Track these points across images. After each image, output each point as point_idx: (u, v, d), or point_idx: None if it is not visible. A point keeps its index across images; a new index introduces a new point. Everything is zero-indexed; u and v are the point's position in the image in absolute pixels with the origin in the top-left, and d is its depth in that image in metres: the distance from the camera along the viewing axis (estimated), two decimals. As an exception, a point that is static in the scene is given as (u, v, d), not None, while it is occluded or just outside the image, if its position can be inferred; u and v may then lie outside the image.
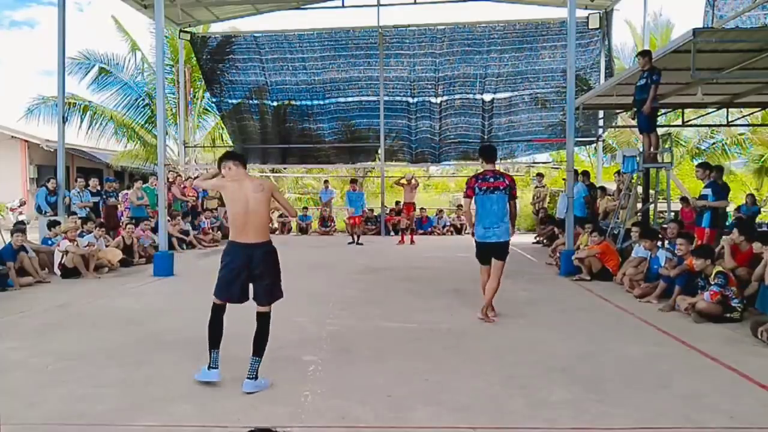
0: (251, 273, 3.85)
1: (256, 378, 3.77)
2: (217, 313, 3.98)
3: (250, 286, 3.94)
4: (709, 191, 8.13)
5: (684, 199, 11.82)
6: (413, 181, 14.21)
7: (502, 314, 6.04)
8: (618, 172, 12.29)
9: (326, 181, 18.16)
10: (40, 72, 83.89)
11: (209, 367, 3.84)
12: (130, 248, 10.01)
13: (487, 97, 17.53)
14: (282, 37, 17.60)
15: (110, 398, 3.62)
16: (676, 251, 6.82)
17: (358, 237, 13.83)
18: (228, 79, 18.37)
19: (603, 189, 12.22)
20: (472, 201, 5.77)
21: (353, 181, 15.19)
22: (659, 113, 11.30)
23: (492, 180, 5.64)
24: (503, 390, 3.78)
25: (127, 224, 10.51)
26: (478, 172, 5.82)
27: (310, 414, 3.39)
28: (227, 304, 4.01)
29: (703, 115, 14.22)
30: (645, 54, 8.55)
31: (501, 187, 5.64)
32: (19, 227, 8.97)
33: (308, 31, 17.43)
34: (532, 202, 15.87)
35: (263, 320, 3.96)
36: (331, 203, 17.56)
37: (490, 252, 5.74)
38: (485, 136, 17.78)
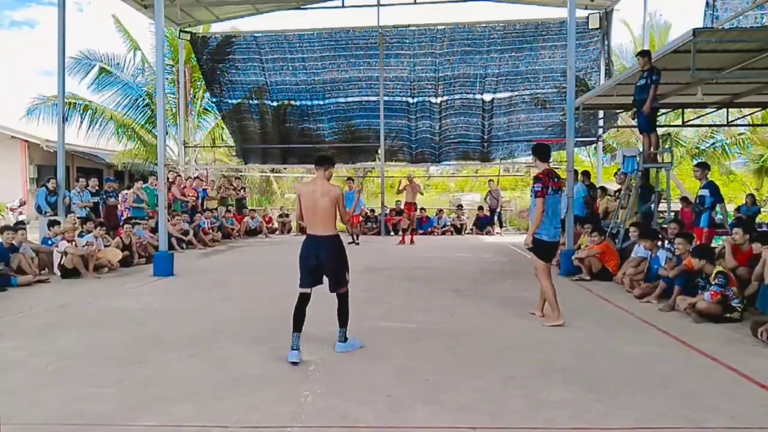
0: (319, 260, 4.48)
1: (345, 341, 4.63)
2: (303, 301, 4.54)
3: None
4: (706, 192, 8.13)
5: (684, 199, 11.82)
6: (414, 181, 14.18)
7: (502, 314, 6.04)
8: (617, 173, 12.31)
9: None
10: (40, 72, 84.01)
11: (292, 349, 4.34)
12: (130, 248, 10.01)
13: (487, 97, 17.55)
14: (282, 37, 17.61)
15: (110, 398, 3.62)
16: (674, 251, 6.82)
17: (357, 236, 13.82)
18: (228, 79, 18.38)
19: (603, 189, 12.21)
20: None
21: (349, 180, 15.16)
22: (659, 113, 11.30)
23: (556, 180, 5.55)
24: (503, 390, 3.78)
25: (124, 224, 10.52)
26: (544, 169, 5.57)
27: (310, 414, 3.39)
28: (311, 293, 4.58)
29: (703, 115, 14.22)
30: (645, 54, 8.54)
31: (561, 188, 5.62)
32: (10, 226, 8.93)
33: (308, 31, 17.44)
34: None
35: (341, 298, 4.68)
36: None
37: (555, 252, 5.75)
38: (485, 136, 17.80)
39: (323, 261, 4.48)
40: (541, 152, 5.72)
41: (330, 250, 4.50)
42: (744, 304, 5.72)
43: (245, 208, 16.85)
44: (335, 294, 4.64)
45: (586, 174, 12.29)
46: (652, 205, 9.45)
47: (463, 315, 6.06)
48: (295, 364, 4.25)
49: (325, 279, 4.61)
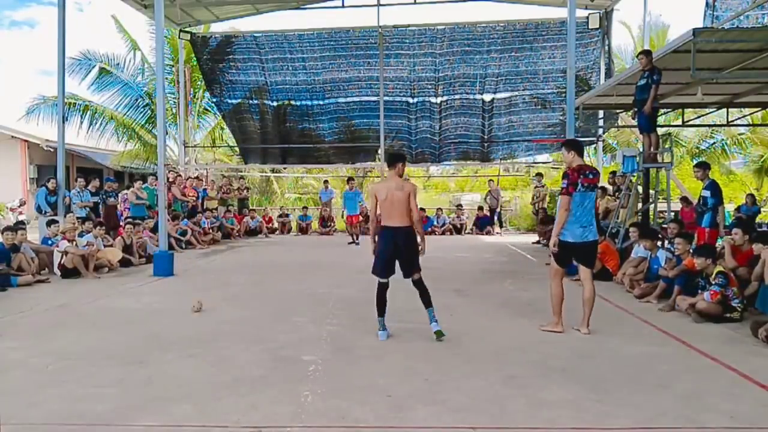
0: (398, 249, 4.95)
1: (436, 320, 5.03)
2: (384, 289, 5.07)
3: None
4: (708, 192, 8.13)
5: (684, 199, 11.81)
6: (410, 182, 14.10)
7: (502, 314, 6.04)
8: (614, 173, 12.32)
9: (326, 181, 18.16)
10: (40, 72, 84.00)
11: (381, 330, 5.01)
12: (130, 248, 10.01)
13: (487, 97, 17.55)
14: (282, 37, 17.60)
15: (110, 398, 3.62)
16: (674, 251, 6.82)
17: (357, 236, 13.77)
18: (228, 79, 18.37)
19: (603, 189, 12.21)
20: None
21: (350, 180, 15.13)
22: (659, 113, 11.29)
23: (591, 176, 5.12)
24: (503, 390, 3.78)
25: (126, 224, 10.51)
26: (576, 165, 5.15)
27: (310, 414, 3.39)
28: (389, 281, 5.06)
29: (703, 115, 14.22)
30: (646, 53, 8.54)
31: (595, 184, 5.21)
32: (11, 227, 8.93)
33: (308, 31, 17.44)
34: (531, 202, 15.88)
35: (420, 284, 5.06)
36: (331, 203, 17.55)
37: (581, 255, 5.26)
38: (485, 136, 17.80)
39: (401, 249, 4.94)
40: (577, 147, 5.30)
41: (406, 239, 4.96)
42: (744, 304, 5.72)
43: (246, 208, 16.85)
44: (413, 282, 5.07)
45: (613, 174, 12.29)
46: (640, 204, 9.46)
47: (463, 315, 6.06)
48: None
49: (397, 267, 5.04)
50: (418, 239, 5.07)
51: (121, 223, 11.31)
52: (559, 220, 5.15)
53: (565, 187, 5.12)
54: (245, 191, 17.45)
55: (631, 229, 8.50)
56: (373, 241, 5.23)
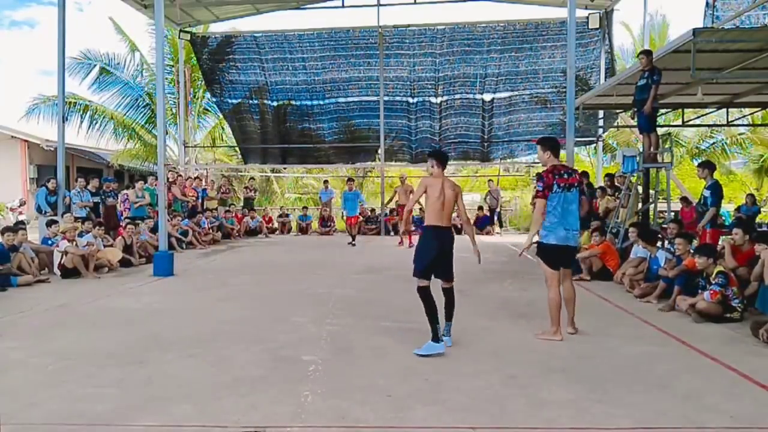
0: (443, 250, 4.72)
1: (450, 336, 4.79)
2: (427, 293, 4.66)
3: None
4: (708, 192, 8.13)
5: (684, 199, 11.81)
6: (407, 182, 13.98)
7: (502, 314, 6.03)
8: (609, 175, 12.31)
9: (326, 181, 18.16)
10: (40, 72, 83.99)
11: (439, 339, 4.56)
12: (130, 248, 10.01)
13: (487, 96, 17.56)
14: (282, 37, 17.61)
15: (110, 398, 3.62)
16: (674, 251, 6.82)
17: (354, 237, 13.65)
18: (228, 79, 18.38)
19: (603, 189, 12.21)
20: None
21: (349, 180, 15.11)
22: (659, 113, 11.28)
23: (566, 176, 4.96)
24: (503, 390, 3.78)
25: (127, 224, 10.51)
26: (550, 166, 5.02)
27: (310, 414, 3.39)
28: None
29: (703, 115, 14.22)
30: (647, 53, 8.53)
31: (575, 183, 5.04)
32: (11, 227, 8.92)
33: (308, 31, 17.44)
34: (531, 202, 15.85)
35: (450, 293, 4.89)
36: (331, 203, 17.55)
37: (567, 257, 5.13)
38: (485, 136, 17.80)
39: (446, 250, 4.74)
40: (553, 146, 5.11)
41: (450, 242, 4.79)
42: (744, 304, 5.72)
43: (252, 208, 16.85)
44: (443, 290, 4.87)
45: (585, 174, 12.28)
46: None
47: (463, 315, 6.04)
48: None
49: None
50: (471, 245, 4.96)
51: (121, 223, 11.30)
52: (534, 223, 5.04)
53: (541, 191, 4.98)
54: (252, 192, 17.48)
55: (630, 229, 8.50)
56: (405, 233, 5.21)
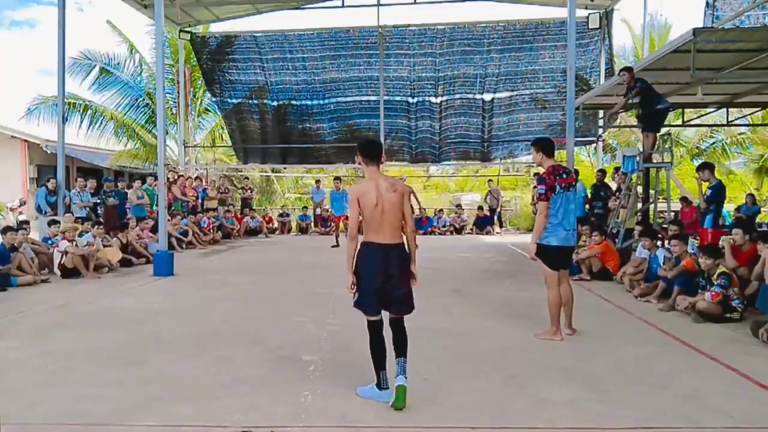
0: (387, 275, 3.54)
1: (405, 375, 3.46)
2: (376, 331, 3.63)
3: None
4: (710, 193, 8.13)
5: (684, 199, 11.80)
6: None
7: (502, 314, 6.03)
8: (604, 170, 12.30)
9: (318, 181, 18.28)
10: (40, 72, 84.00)
11: (381, 387, 3.56)
12: (131, 248, 10.00)
13: (487, 96, 17.57)
14: (282, 37, 17.61)
15: (110, 398, 3.62)
16: (672, 252, 6.82)
17: (337, 237, 13.27)
18: (228, 79, 18.38)
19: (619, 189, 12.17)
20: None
21: (336, 180, 15.00)
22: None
23: (566, 176, 4.89)
24: (503, 390, 3.78)
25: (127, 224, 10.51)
26: (550, 166, 4.94)
27: (310, 414, 3.39)
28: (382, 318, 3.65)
29: (703, 115, 14.22)
30: (629, 70, 8.59)
31: (573, 183, 4.99)
32: (12, 227, 8.91)
33: (308, 31, 17.44)
34: (531, 202, 15.86)
35: (398, 325, 3.62)
36: (323, 203, 17.52)
37: (567, 257, 5.09)
38: (485, 136, 17.80)
39: (393, 275, 3.58)
40: (547, 146, 5.05)
41: (400, 262, 3.66)
42: (744, 304, 5.72)
43: (249, 208, 16.84)
44: (390, 322, 3.66)
45: (602, 172, 12.25)
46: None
47: (463, 315, 6.06)
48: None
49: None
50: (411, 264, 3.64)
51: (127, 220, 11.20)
52: (538, 226, 4.91)
53: (544, 193, 4.84)
54: (249, 191, 17.46)
55: (636, 229, 8.49)
56: (352, 266, 3.56)
